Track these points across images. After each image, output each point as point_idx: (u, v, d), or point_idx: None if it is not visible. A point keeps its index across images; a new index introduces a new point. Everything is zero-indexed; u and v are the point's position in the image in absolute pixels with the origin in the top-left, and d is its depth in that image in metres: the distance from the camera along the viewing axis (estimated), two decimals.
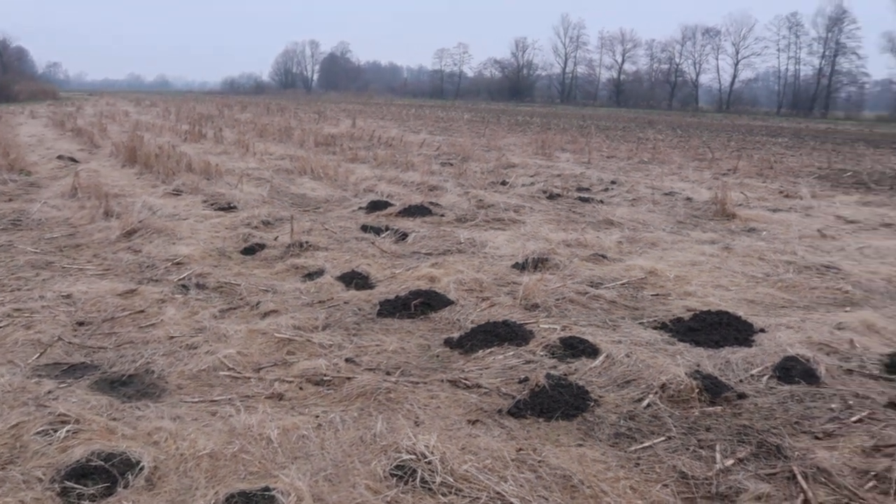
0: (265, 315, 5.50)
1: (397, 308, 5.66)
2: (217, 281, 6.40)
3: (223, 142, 19.80)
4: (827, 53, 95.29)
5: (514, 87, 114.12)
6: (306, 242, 7.60)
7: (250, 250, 7.53)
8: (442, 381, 4.37)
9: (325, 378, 4.31)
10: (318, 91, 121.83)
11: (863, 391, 4.47)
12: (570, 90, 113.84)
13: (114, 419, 3.71)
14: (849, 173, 17.87)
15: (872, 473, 3.44)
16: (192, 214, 9.16)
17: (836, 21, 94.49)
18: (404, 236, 8.19)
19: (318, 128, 26.23)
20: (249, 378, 4.35)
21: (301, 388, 4.21)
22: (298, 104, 58.48)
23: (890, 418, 4.10)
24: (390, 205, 9.98)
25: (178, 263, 6.93)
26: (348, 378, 4.28)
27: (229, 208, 9.62)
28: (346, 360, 4.58)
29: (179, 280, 6.40)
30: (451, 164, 15.64)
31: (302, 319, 5.31)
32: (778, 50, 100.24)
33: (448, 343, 5.03)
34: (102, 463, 3.24)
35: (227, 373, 4.41)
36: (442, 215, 9.57)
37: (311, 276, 6.58)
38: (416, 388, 4.24)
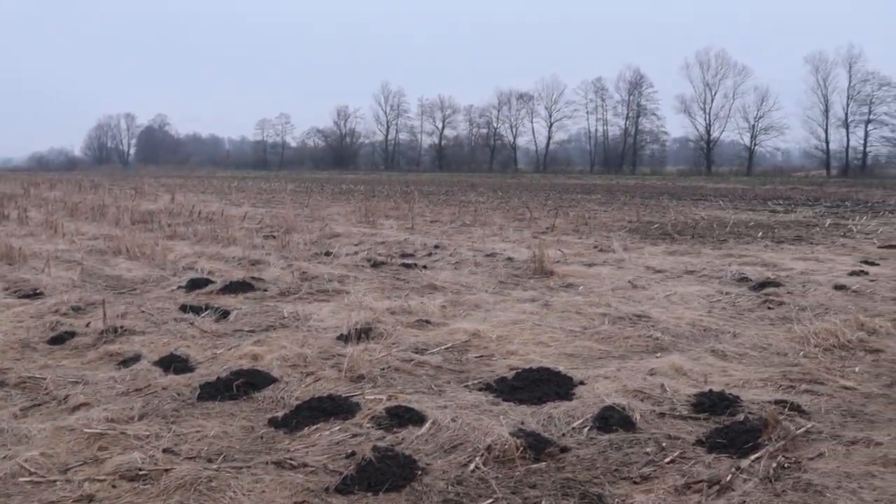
0: (74, 409, 5.14)
1: (219, 390, 5.45)
2: (18, 376, 5.92)
3: (28, 223, 18.66)
4: (630, 115, 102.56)
5: (337, 156, 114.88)
6: (121, 327, 7.23)
7: (58, 339, 7.06)
8: (267, 463, 4.24)
9: (140, 472, 4.06)
10: (135, 165, 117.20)
11: (674, 432, 4.73)
12: (393, 157, 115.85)
13: None
14: (656, 225, 19.12)
15: None
16: None
17: (636, 85, 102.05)
18: (226, 314, 7.96)
19: (134, 204, 25.25)
20: (55, 482, 4.03)
21: (114, 486, 3.94)
22: (114, 180, 56.12)
23: (699, 455, 4.35)
24: (211, 282, 9.69)
25: None
26: (166, 470, 4.06)
27: (35, 295, 9.02)
28: (164, 451, 4.35)
29: None
30: (274, 237, 15.43)
31: (115, 411, 5.01)
32: (587, 112, 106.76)
33: (272, 423, 4.89)
34: None
35: (27, 478, 4.06)
36: (265, 290, 9.39)
37: (127, 362, 6.23)
38: (240, 473, 4.08)
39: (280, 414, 5.00)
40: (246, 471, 4.12)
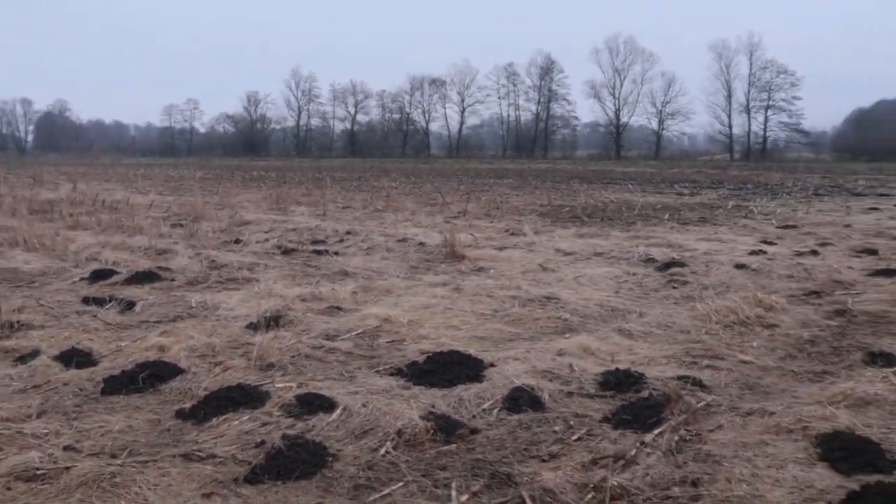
0: None
1: (124, 383, 5.31)
2: None
3: None
4: (542, 100, 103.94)
5: (248, 142, 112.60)
6: (18, 322, 6.94)
7: None
8: (174, 456, 4.15)
9: (38, 472, 3.91)
10: (34, 153, 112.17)
11: (582, 411, 4.84)
12: (305, 143, 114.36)
13: None
14: (566, 209, 19.44)
15: (591, 486, 3.71)
16: None
17: (547, 70, 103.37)
18: (131, 305, 7.74)
19: (33, 193, 24.25)
20: None
21: (9, 489, 3.79)
22: (10, 168, 53.62)
23: (605, 432, 4.47)
24: (116, 273, 9.41)
25: None
26: (66, 468, 3.93)
27: None
28: (65, 449, 4.21)
29: None
30: (182, 225, 15.07)
31: (11, 410, 4.80)
32: (499, 97, 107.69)
33: (180, 415, 4.79)
34: None
35: None
36: (172, 280, 9.17)
37: (24, 359, 5.98)
38: (146, 467, 3.99)
39: (188, 405, 4.90)
40: (152, 465, 4.03)
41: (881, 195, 26.15)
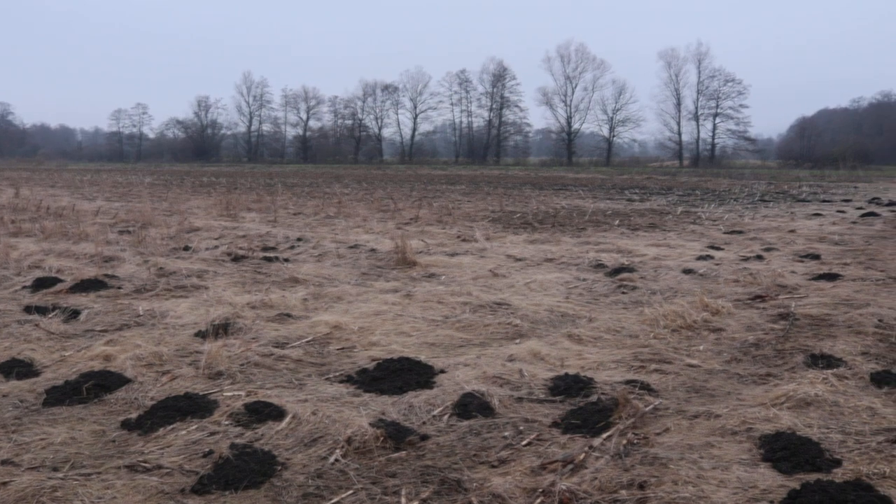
0: None
1: (67, 394, 5.19)
2: None
3: None
4: (494, 107, 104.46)
5: (199, 148, 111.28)
6: None
7: None
8: (119, 468, 4.07)
9: None
10: None
11: (531, 416, 4.86)
12: (256, 149, 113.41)
13: None
14: (518, 215, 19.54)
15: (540, 490, 3.74)
16: None
17: (499, 77, 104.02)
18: (76, 314, 7.58)
19: None
20: None
21: None
22: None
23: (554, 437, 4.50)
24: (60, 281, 9.21)
25: None
26: (4, 483, 3.83)
27: None
28: (3, 463, 4.11)
29: None
30: (130, 232, 14.81)
31: None
32: (452, 104, 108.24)
33: (125, 425, 4.70)
34: None
35: None
36: (119, 287, 9.01)
37: None
38: (89, 480, 3.90)
39: (134, 416, 4.82)
40: (95, 477, 3.95)
41: (824, 201, 26.78)
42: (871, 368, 5.72)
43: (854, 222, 18.67)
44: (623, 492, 3.73)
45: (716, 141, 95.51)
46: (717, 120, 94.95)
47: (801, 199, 27.59)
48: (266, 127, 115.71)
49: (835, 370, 5.64)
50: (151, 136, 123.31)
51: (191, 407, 4.87)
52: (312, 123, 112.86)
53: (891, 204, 25.12)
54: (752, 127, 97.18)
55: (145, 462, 4.14)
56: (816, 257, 12.08)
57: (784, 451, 4.14)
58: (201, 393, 5.14)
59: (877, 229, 16.88)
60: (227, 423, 4.69)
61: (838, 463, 4.06)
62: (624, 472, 3.94)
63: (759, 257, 12.04)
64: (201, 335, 6.68)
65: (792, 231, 16.33)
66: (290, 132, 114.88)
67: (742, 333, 6.99)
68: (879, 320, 7.18)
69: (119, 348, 6.20)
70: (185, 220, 17.14)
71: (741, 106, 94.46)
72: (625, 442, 4.33)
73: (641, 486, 3.78)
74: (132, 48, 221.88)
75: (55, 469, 4.05)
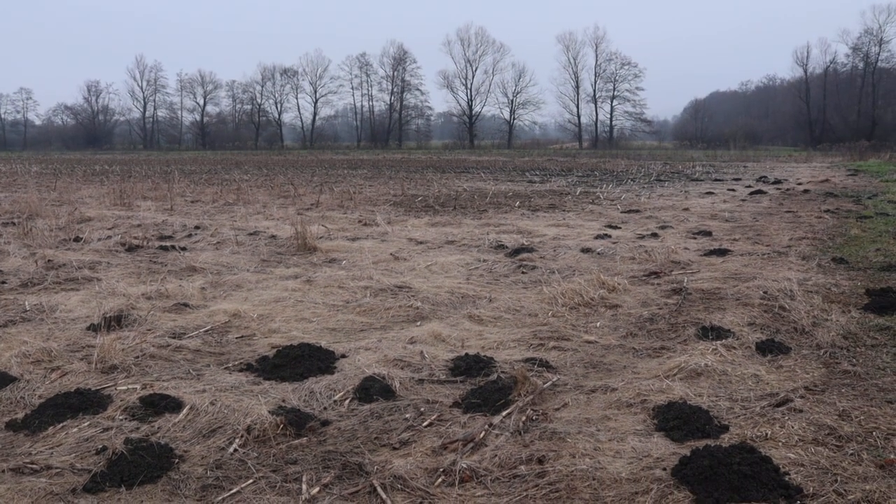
0: None
1: None
2: None
3: None
4: (395, 90, 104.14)
5: (90, 135, 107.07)
6: None
7: None
8: (3, 471, 3.89)
9: None
10: None
11: (433, 397, 4.89)
12: (152, 135, 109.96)
13: None
14: (420, 198, 19.56)
15: (441, 470, 3.78)
16: None
17: (400, 61, 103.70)
18: None
19: None
20: None
21: None
22: None
23: (455, 417, 4.54)
24: None
25: None
26: None
27: None
28: None
29: None
30: (15, 224, 14.14)
31: None
32: (353, 88, 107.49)
33: (11, 426, 4.50)
34: None
35: None
36: (3, 282, 8.60)
37: None
38: None
39: (20, 415, 4.62)
40: None
41: (716, 180, 27.75)
42: (757, 338, 5.98)
43: (743, 200, 19.43)
44: (522, 467, 3.80)
45: (614, 123, 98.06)
46: (615, 102, 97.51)
47: (694, 179, 28.52)
48: (161, 113, 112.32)
49: (724, 341, 5.87)
50: (38, 122, 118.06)
51: (83, 403, 4.71)
52: (210, 109, 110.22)
53: (777, 182, 26.24)
54: (649, 109, 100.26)
55: (32, 463, 3.98)
56: (708, 234, 12.53)
57: (676, 420, 4.30)
58: (94, 388, 4.97)
59: (764, 206, 17.61)
60: (121, 417, 4.56)
61: (726, 429, 4.24)
62: (523, 448, 4.01)
63: (655, 235, 12.40)
64: (94, 329, 6.46)
65: (686, 209, 16.87)
66: (188, 118, 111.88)
67: (637, 309, 7.20)
68: (765, 292, 7.51)
69: (4, 346, 5.95)
70: (76, 210, 16.49)
71: (637, 88, 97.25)
72: (524, 419, 4.41)
73: (540, 461, 3.85)
74: (12, 28, 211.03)
75: None
